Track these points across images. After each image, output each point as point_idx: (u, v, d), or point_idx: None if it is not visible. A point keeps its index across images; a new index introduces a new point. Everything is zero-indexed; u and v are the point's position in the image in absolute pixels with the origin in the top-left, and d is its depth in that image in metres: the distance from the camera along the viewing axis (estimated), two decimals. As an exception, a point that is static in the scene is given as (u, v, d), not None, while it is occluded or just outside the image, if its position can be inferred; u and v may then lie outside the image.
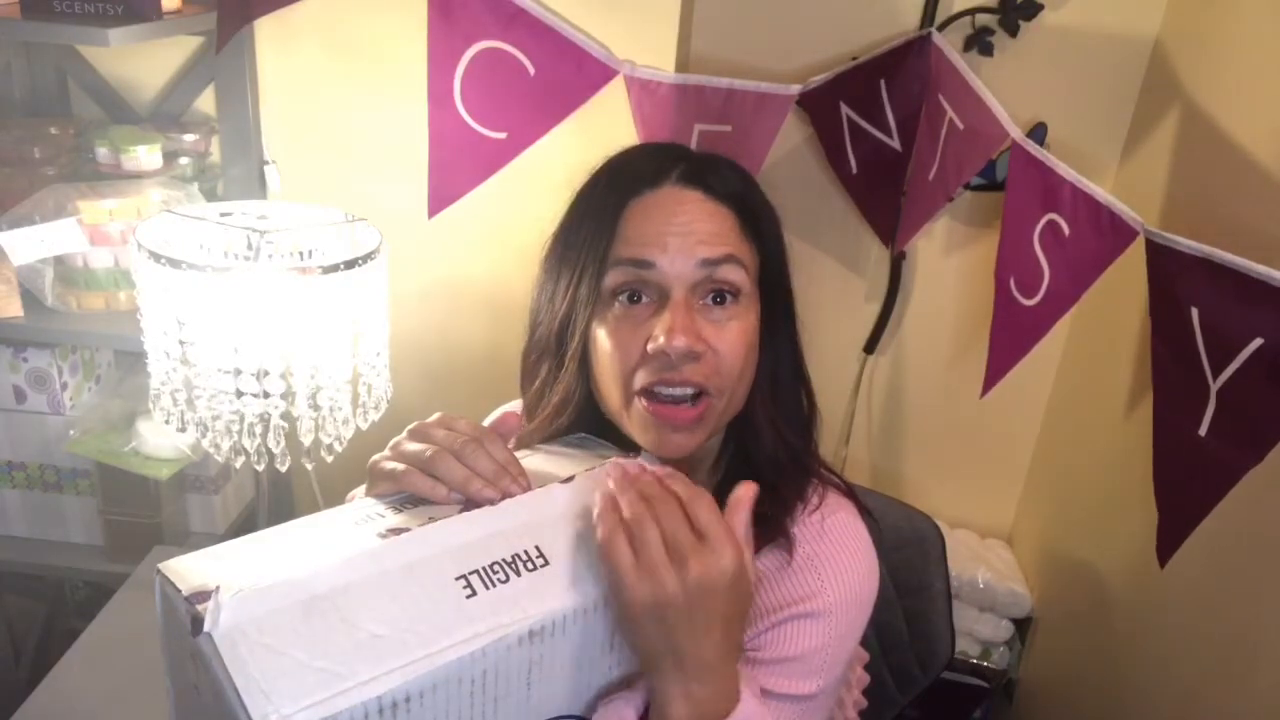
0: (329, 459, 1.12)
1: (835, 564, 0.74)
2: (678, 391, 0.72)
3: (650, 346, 0.71)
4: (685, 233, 0.72)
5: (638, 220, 0.73)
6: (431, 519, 0.61)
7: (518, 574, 0.59)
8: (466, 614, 0.56)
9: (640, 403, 0.73)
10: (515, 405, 0.89)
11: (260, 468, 1.10)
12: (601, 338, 0.74)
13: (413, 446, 0.66)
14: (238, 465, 1.07)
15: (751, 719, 0.62)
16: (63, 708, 1.09)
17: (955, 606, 1.30)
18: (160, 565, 0.55)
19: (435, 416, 0.68)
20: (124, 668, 1.13)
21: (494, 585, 0.58)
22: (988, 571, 1.73)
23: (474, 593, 0.57)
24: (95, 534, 1.44)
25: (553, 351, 0.78)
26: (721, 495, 0.68)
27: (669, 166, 0.75)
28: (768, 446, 0.78)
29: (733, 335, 0.73)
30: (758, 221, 0.77)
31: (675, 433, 0.73)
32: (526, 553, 0.60)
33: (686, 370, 0.71)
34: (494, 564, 0.59)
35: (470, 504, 0.63)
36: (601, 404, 0.77)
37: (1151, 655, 1.32)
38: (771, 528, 0.75)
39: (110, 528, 1.42)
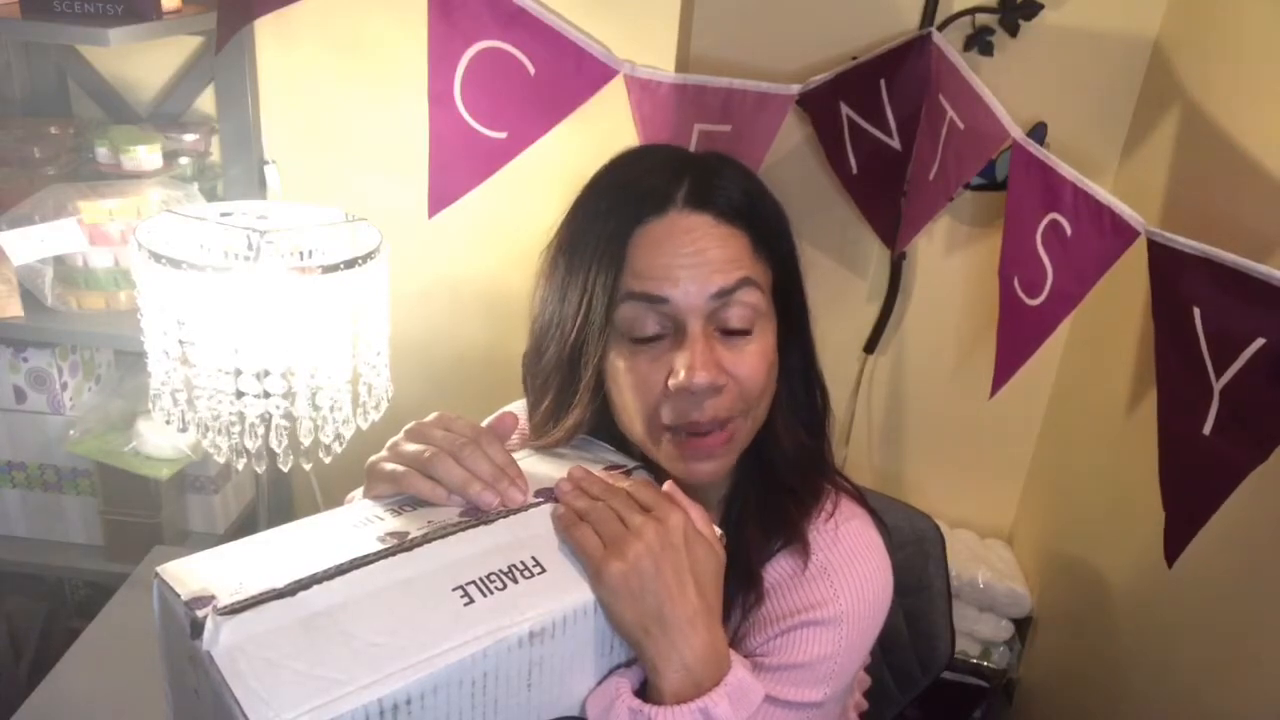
0: (328, 459, 1.12)
1: (848, 572, 0.74)
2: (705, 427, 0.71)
3: (672, 383, 0.69)
4: (697, 263, 0.70)
5: (646, 251, 0.71)
6: (431, 522, 0.61)
7: (515, 581, 0.59)
8: (465, 619, 0.56)
9: (667, 438, 0.72)
10: (514, 406, 0.88)
11: (261, 469, 1.10)
12: (620, 373, 0.72)
13: (411, 448, 0.65)
14: (239, 466, 1.07)
15: (742, 684, 0.62)
16: (63, 708, 1.09)
17: (955, 606, 1.30)
18: (158, 569, 0.55)
19: (433, 416, 0.68)
20: (124, 668, 1.13)
21: (491, 593, 0.57)
22: (988, 571, 1.73)
23: (471, 600, 0.57)
24: (95, 534, 1.44)
25: (565, 377, 0.75)
26: (734, 503, 0.68)
27: (673, 188, 0.72)
28: (788, 450, 0.77)
29: (753, 359, 0.71)
30: (769, 234, 0.75)
31: (704, 462, 0.72)
32: (523, 563, 0.60)
33: (709, 406, 0.70)
34: (491, 574, 0.59)
35: (469, 506, 0.63)
36: (624, 432, 0.75)
37: (1151, 655, 1.32)
38: (789, 531, 0.75)
39: (110, 528, 1.42)
